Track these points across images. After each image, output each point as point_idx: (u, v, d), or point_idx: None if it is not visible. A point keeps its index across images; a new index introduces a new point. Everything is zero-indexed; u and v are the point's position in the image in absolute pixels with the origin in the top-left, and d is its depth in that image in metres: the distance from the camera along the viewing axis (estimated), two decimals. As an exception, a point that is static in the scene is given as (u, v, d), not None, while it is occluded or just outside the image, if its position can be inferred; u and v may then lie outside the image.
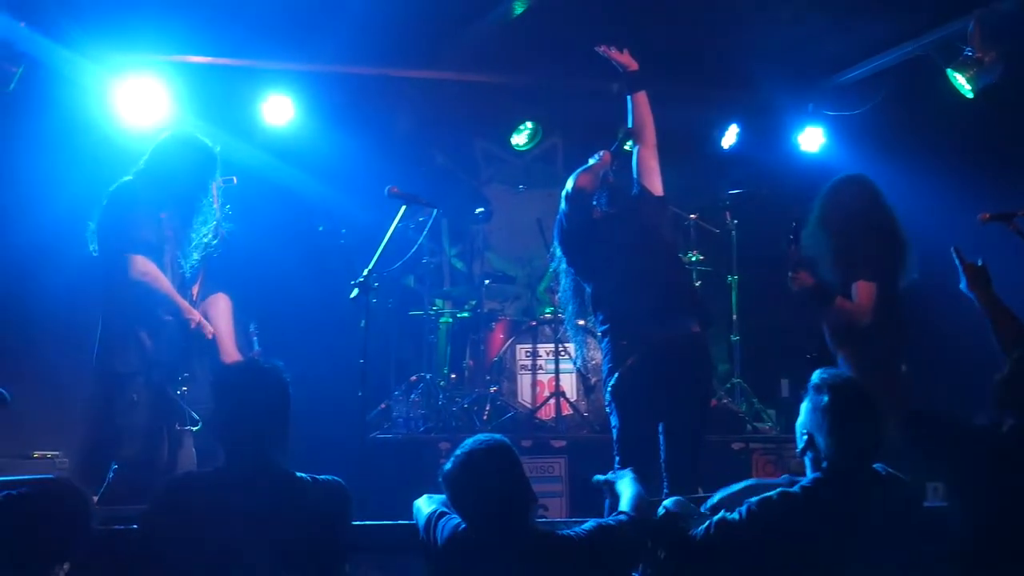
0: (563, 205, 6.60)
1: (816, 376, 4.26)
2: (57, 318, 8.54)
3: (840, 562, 4.06)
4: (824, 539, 4.07)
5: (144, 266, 6.47)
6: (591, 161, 6.68)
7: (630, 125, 6.81)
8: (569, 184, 6.55)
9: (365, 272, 7.06)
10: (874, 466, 4.25)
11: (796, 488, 4.18)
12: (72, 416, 8.31)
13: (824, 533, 4.08)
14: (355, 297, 6.99)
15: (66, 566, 3.90)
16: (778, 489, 4.19)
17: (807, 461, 4.28)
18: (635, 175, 6.75)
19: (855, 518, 4.10)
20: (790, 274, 6.54)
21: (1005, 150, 9.28)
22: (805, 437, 4.26)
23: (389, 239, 7.22)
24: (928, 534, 4.30)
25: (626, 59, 6.92)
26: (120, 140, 8.88)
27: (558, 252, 6.71)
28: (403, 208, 7.43)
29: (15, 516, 3.84)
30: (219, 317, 7.38)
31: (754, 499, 4.15)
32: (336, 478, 4.33)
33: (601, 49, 6.95)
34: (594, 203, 6.64)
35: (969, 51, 8.91)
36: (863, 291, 6.45)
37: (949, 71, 9.07)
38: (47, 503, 3.93)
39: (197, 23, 8.78)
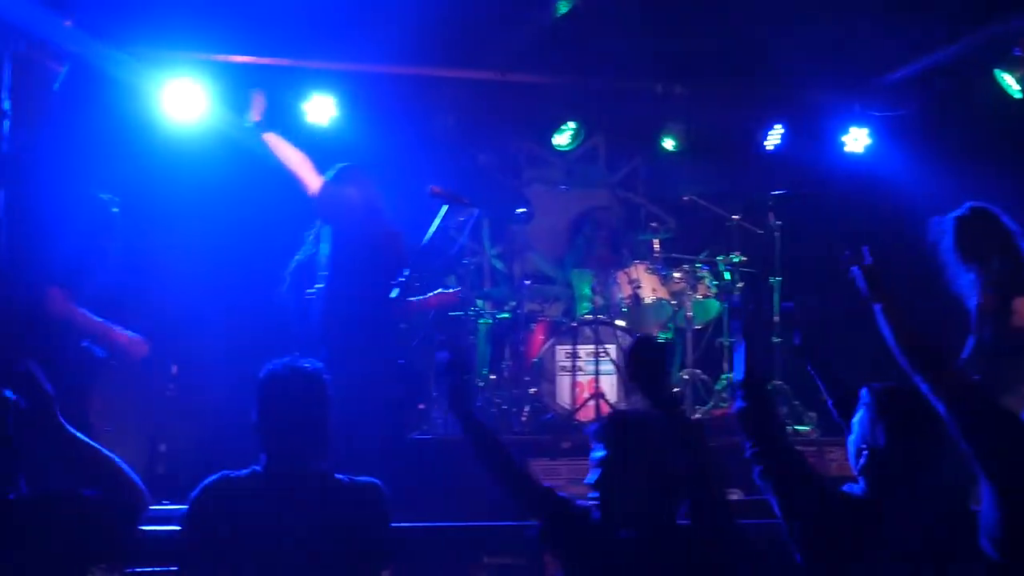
0: None
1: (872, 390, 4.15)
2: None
3: None
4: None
5: None
6: None
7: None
8: None
9: (406, 272, 7.08)
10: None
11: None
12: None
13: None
14: (396, 297, 7.02)
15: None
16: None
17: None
18: None
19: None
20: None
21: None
22: (866, 453, 4.09)
23: (430, 239, 7.24)
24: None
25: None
26: (165, 138, 8.94)
27: None
28: (444, 208, 7.44)
29: (71, 517, 3.83)
30: None
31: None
32: (374, 480, 4.32)
33: None
34: None
35: (1018, 51, 8.84)
36: None
37: (997, 71, 9.00)
38: (106, 507, 3.93)
39: (240, 22, 8.79)
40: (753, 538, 4.29)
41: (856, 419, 4.15)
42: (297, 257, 7.95)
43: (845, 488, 4.15)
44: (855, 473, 4.15)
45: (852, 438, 4.17)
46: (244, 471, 4.22)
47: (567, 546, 4.29)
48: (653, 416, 4.28)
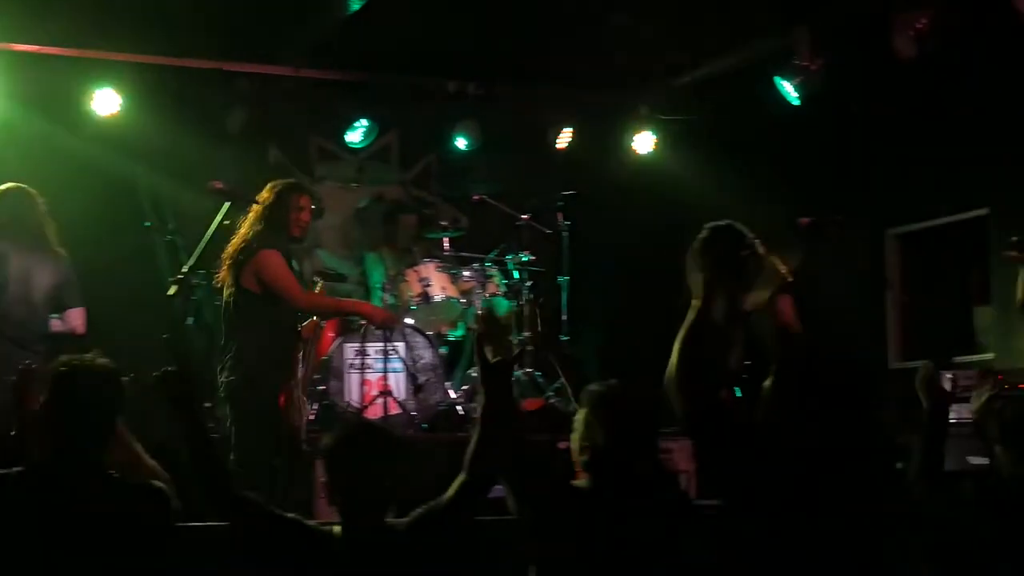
0: None
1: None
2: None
3: None
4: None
5: None
6: None
7: None
8: None
9: (185, 269, 7.01)
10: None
11: None
12: None
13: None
14: (174, 295, 6.94)
15: None
16: None
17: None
18: None
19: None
20: None
21: (828, 157, 9.55)
22: (588, 450, 4.23)
23: (213, 236, 7.17)
24: None
25: None
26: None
27: None
28: (227, 205, 7.36)
29: None
30: None
31: None
32: (156, 482, 4.28)
33: None
34: None
35: (796, 60, 9.13)
36: (791, 303, 6.79)
37: (777, 79, 9.28)
38: None
39: (23, 10, 8.59)
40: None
41: (579, 418, 4.30)
42: None
43: (574, 482, 4.27)
44: (580, 468, 4.30)
45: (576, 435, 4.32)
46: (16, 468, 4.13)
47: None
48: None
